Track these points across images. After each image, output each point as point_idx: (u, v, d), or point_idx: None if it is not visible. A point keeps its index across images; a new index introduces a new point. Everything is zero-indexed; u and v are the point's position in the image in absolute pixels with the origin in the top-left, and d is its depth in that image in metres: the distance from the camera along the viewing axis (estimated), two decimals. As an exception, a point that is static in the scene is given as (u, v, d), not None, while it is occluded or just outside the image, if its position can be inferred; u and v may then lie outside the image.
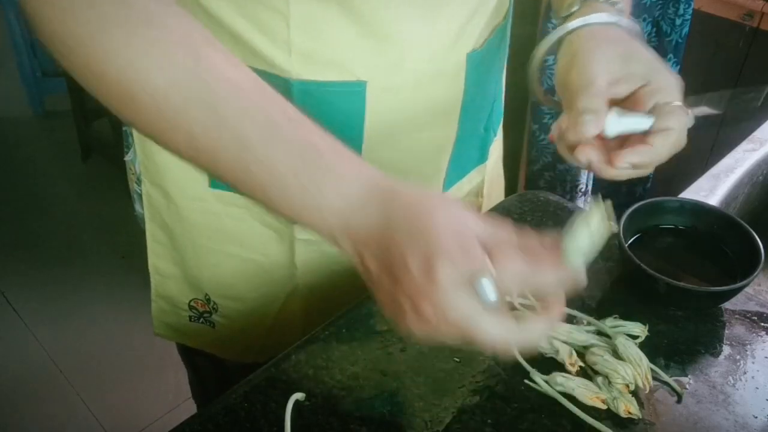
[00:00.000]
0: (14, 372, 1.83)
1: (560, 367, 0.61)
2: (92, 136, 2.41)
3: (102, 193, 2.35)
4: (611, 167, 0.56)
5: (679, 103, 0.56)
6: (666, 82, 0.57)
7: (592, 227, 0.49)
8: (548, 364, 0.62)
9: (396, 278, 0.45)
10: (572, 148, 0.58)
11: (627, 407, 0.57)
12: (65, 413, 1.74)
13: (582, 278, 0.48)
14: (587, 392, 0.59)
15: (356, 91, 0.63)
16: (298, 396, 0.59)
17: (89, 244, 2.21)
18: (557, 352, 0.62)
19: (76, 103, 2.32)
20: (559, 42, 0.62)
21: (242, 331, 0.82)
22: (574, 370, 0.61)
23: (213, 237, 0.76)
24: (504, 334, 0.45)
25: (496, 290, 0.44)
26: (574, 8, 0.62)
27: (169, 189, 0.74)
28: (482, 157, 0.83)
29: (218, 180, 0.52)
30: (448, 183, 0.78)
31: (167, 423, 1.67)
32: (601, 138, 0.57)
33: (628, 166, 0.55)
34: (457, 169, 0.78)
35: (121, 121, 0.52)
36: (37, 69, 2.60)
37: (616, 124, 0.55)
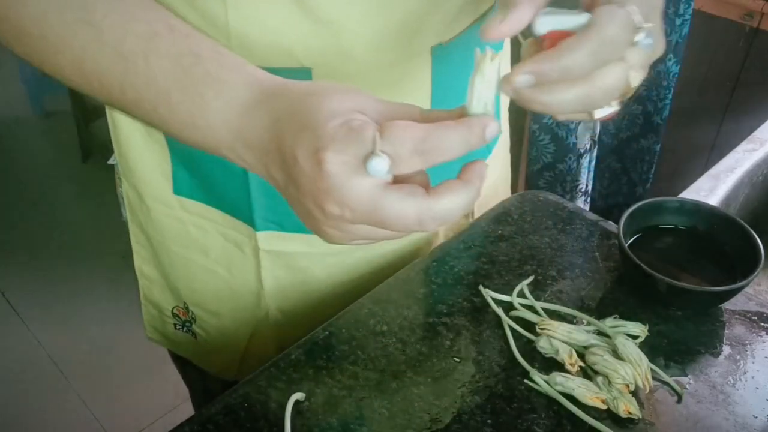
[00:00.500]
0: (14, 372, 1.83)
1: (560, 367, 0.61)
2: (92, 136, 2.42)
3: (102, 193, 2.35)
4: (509, 86, 0.43)
5: (631, 7, 0.42)
6: None
7: (486, 75, 0.43)
8: (548, 364, 0.62)
9: (295, 182, 0.42)
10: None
11: (627, 407, 0.57)
12: (65, 413, 1.74)
13: (493, 125, 0.41)
14: (587, 392, 0.59)
15: (300, 78, 0.56)
16: (298, 396, 0.59)
17: (89, 244, 2.21)
18: (557, 351, 0.62)
19: (76, 103, 2.33)
20: None
21: (218, 346, 0.79)
22: (574, 370, 0.61)
23: (182, 244, 0.73)
24: (415, 208, 0.41)
25: (390, 163, 0.39)
26: None
27: (141, 190, 0.72)
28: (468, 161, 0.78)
29: (118, 109, 0.49)
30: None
31: (167, 423, 1.67)
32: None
33: (527, 81, 0.42)
34: (437, 179, 0.73)
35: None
36: (37, 69, 2.60)
37: (545, 23, 0.44)
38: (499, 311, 0.67)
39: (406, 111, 0.43)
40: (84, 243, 2.22)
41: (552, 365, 0.62)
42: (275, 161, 0.43)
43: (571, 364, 0.61)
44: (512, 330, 0.65)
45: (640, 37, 0.43)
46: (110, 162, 0.80)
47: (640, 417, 0.58)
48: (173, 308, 0.80)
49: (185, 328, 0.81)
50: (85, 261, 2.14)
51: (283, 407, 0.58)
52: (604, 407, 0.58)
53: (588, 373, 0.61)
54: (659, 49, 0.48)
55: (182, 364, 0.88)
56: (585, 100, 0.43)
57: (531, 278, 0.70)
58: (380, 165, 0.39)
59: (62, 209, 2.35)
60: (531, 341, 0.64)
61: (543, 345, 0.63)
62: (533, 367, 0.62)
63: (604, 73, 0.42)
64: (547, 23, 0.44)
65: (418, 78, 0.63)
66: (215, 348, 0.80)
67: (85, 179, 2.48)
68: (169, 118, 0.46)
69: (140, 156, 0.70)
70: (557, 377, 0.60)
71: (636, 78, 0.44)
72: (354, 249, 0.71)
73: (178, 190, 0.70)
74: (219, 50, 0.47)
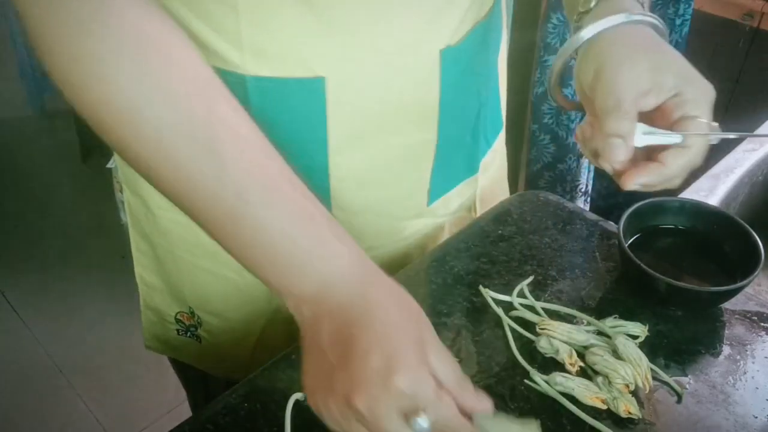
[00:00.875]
0: (14, 372, 1.83)
1: (560, 367, 0.61)
2: (92, 136, 2.38)
3: (102, 193, 2.34)
4: (623, 186, 0.55)
5: (703, 119, 0.53)
6: (695, 93, 0.54)
7: None
8: (548, 364, 0.62)
9: (346, 360, 0.46)
10: (596, 154, 0.56)
11: (627, 407, 0.57)
12: (65, 413, 1.74)
13: None
14: (587, 392, 0.59)
15: (315, 87, 0.59)
16: (298, 396, 0.58)
17: (89, 244, 2.21)
18: (557, 351, 0.62)
19: (76, 103, 2.32)
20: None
21: (227, 349, 0.79)
22: (574, 370, 0.61)
23: (190, 250, 0.73)
24: None
25: (428, 429, 0.45)
26: (592, 3, 0.59)
27: (147, 198, 0.72)
28: (471, 169, 0.78)
29: (199, 224, 0.52)
30: (433, 195, 0.73)
31: (167, 423, 1.67)
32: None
33: (638, 186, 0.54)
34: (443, 180, 0.73)
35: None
36: (37, 69, 2.60)
37: (641, 140, 0.54)
38: (499, 311, 0.67)
39: (452, 379, 0.48)
40: (84, 243, 2.22)
41: (552, 365, 0.62)
42: (336, 329, 0.48)
43: (571, 364, 0.61)
44: (512, 330, 0.65)
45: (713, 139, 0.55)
46: (109, 165, 0.80)
47: (640, 417, 0.58)
48: (177, 314, 0.79)
49: (189, 333, 0.80)
50: (85, 261, 2.14)
51: (283, 407, 0.58)
52: (604, 407, 0.58)
53: (588, 373, 0.61)
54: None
55: (183, 368, 0.88)
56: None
57: (531, 278, 0.70)
58: (423, 428, 0.45)
59: (62, 209, 2.35)
60: (531, 341, 0.64)
61: (543, 345, 0.63)
62: (533, 367, 0.62)
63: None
64: (646, 140, 0.54)
65: (428, 80, 0.64)
66: (222, 350, 0.80)
67: (85, 179, 2.48)
68: (263, 258, 0.50)
69: None
70: (557, 377, 0.60)
71: None
72: (367, 247, 0.72)
73: None
74: (328, 215, 0.51)
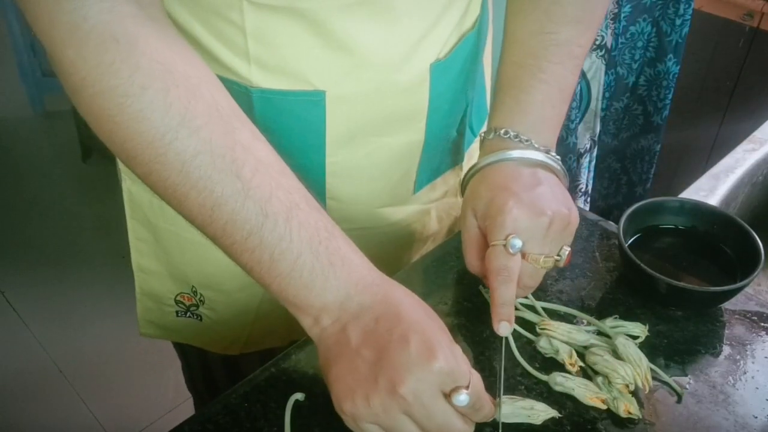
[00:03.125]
0: (14, 372, 1.83)
1: (560, 367, 0.61)
2: (92, 136, 2.38)
3: (102, 193, 2.35)
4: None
5: (494, 243, 0.60)
6: (492, 224, 0.61)
7: None
8: (548, 364, 0.62)
9: (385, 352, 0.49)
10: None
11: (627, 407, 0.57)
12: (65, 413, 1.74)
13: None
14: (587, 392, 0.59)
15: (315, 100, 0.63)
16: (298, 396, 0.59)
17: (89, 244, 2.21)
18: (557, 351, 0.62)
19: (76, 103, 2.32)
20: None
21: (228, 323, 0.82)
22: (574, 369, 0.61)
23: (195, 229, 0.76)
24: (459, 428, 0.51)
25: (468, 402, 0.49)
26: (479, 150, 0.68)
27: None
28: (457, 159, 0.82)
29: (222, 247, 0.55)
30: (419, 184, 0.78)
31: (167, 423, 1.67)
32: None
33: (501, 319, 0.59)
34: (429, 172, 0.78)
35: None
36: (37, 69, 2.60)
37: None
38: None
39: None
40: (84, 243, 2.22)
41: (552, 365, 0.62)
42: (363, 327, 0.51)
43: (571, 364, 0.61)
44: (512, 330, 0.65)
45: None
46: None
47: (640, 417, 0.58)
48: (176, 296, 0.82)
49: (189, 314, 0.83)
50: (85, 261, 2.14)
51: (283, 407, 0.58)
52: (604, 407, 0.58)
53: (588, 373, 0.61)
54: (561, 173, 0.66)
55: (181, 346, 0.92)
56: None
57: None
58: (464, 399, 0.49)
59: (62, 209, 2.35)
60: (531, 341, 0.64)
61: (543, 345, 0.63)
62: (534, 367, 0.62)
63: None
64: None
65: (418, 92, 0.68)
66: (222, 326, 0.83)
67: (85, 179, 2.48)
68: (284, 271, 0.53)
69: None
70: (557, 377, 0.60)
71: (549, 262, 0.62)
72: (358, 228, 0.76)
73: None
74: (344, 234, 0.55)
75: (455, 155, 0.82)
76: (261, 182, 0.52)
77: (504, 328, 0.58)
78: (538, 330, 0.64)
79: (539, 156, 0.64)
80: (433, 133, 0.72)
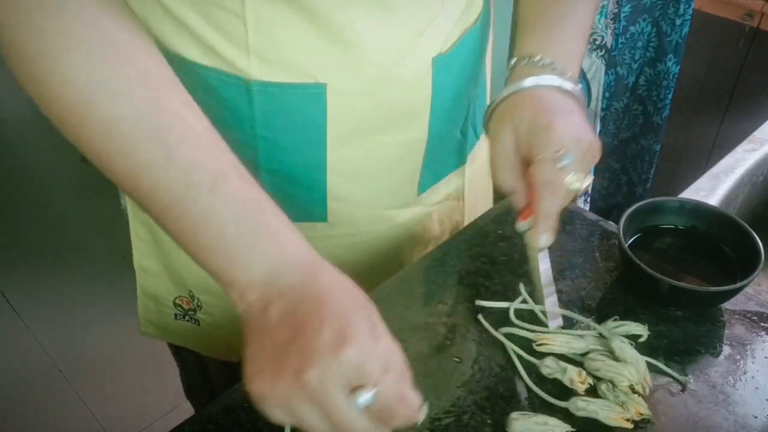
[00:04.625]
0: (14, 372, 1.83)
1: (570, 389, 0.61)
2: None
3: (101, 194, 2.34)
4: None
5: (542, 156, 0.60)
6: (538, 139, 0.61)
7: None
8: (559, 386, 0.62)
9: (298, 336, 0.46)
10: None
11: (637, 409, 0.57)
12: (65, 413, 1.74)
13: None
14: (611, 413, 0.58)
15: (316, 93, 0.63)
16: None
17: (89, 244, 2.21)
18: (565, 371, 0.61)
19: (76, 103, 2.32)
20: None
21: (225, 329, 0.81)
22: (583, 388, 0.60)
23: None
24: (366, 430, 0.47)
25: (372, 403, 0.46)
26: (506, 75, 0.68)
27: None
28: (460, 161, 0.82)
29: (150, 214, 0.53)
30: (423, 186, 0.77)
31: (167, 423, 1.67)
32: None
33: (545, 230, 0.60)
34: (432, 173, 0.78)
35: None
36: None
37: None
38: (500, 337, 0.65)
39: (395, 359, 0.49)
40: (83, 243, 2.22)
41: (562, 387, 0.61)
42: (285, 308, 0.48)
43: (580, 383, 0.60)
44: (512, 339, 0.65)
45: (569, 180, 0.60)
46: None
47: (650, 416, 0.58)
48: (175, 298, 0.81)
49: (187, 317, 0.82)
50: (84, 261, 2.14)
51: (283, 407, 0.58)
52: (631, 426, 0.57)
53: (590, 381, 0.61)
54: (579, 99, 0.66)
55: (178, 350, 0.91)
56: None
57: (520, 298, 0.69)
58: (366, 400, 0.46)
59: (62, 209, 2.35)
60: (533, 364, 0.64)
61: (549, 365, 0.62)
62: (545, 389, 0.62)
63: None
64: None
65: (420, 87, 0.67)
66: (220, 332, 0.82)
67: (85, 179, 2.48)
68: (209, 245, 0.51)
69: None
70: (578, 402, 0.58)
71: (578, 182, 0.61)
72: (361, 232, 0.76)
73: None
74: (281, 211, 0.53)
75: (458, 157, 0.81)
76: (187, 151, 0.51)
77: (546, 239, 0.60)
78: (535, 347, 0.63)
79: (571, 87, 0.66)
80: (436, 131, 0.72)
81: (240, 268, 0.51)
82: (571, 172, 0.60)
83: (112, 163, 0.52)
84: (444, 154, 0.78)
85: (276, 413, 0.47)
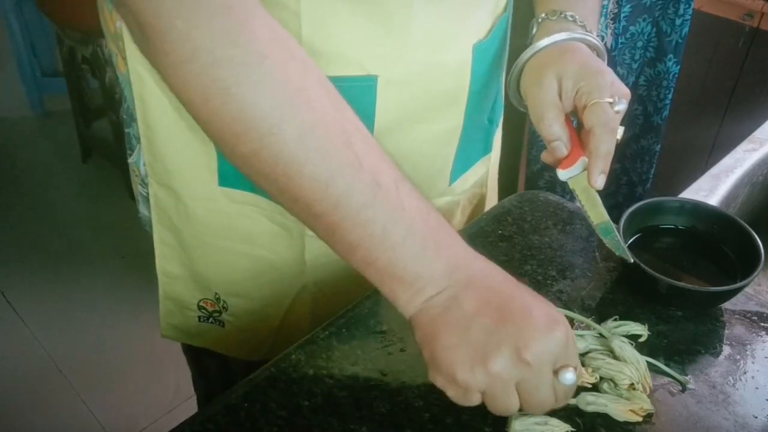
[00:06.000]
0: (14, 372, 1.83)
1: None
2: (92, 136, 2.41)
3: (102, 194, 2.35)
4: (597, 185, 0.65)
5: (603, 100, 0.63)
6: (590, 83, 0.64)
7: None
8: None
9: (509, 316, 0.48)
10: (557, 161, 0.67)
11: (640, 405, 0.57)
12: (65, 413, 1.74)
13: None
14: (620, 406, 0.58)
15: (368, 85, 0.64)
16: None
17: (89, 244, 2.21)
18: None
19: (76, 103, 2.32)
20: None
21: (251, 330, 0.82)
22: (591, 380, 0.60)
23: (222, 235, 0.76)
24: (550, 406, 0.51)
25: (574, 382, 0.50)
26: (534, 30, 0.71)
27: (178, 189, 0.74)
28: (487, 148, 0.84)
29: (324, 221, 0.52)
30: (455, 175, 0.79)
31: (167, 423, 1.67)
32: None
33: (602, 171, 0.64)
34: (463, 161, 0.79)
35: (126, 125, 0.52)
36: (37, 69, 2.60)
37: (563, 175, 0.68)
38: None
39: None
40: (84, 243, 2.21)
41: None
42: (480, 294, 0.50)
43: (587, 377, 0.60)
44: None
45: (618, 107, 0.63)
46: (130, 160, 0.81)
47: (653, 411, 0.57)
48: (199, 301, 0.82)
49: (211, 319, 0.83)
50: (85, 261, 2.14)
51: (283, 407, 0.58)
52: (639, 418, 0.57)
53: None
54: (603, 54, 0.70)
55: (197, 354, 0.91)
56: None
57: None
58: (571, 378, 0.50)
59: (62, 209, 2.35)
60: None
61: None
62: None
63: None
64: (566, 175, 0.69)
65: (461, 74, 0.70)
66: (245, 333, 0.82)
67: (85, 179, 2.48)
68: (397, 242, 0.51)
69: (180, 155, 0.73)
70: (587, 397, 0.58)
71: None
72: None
73: (224, 182, 0.72)
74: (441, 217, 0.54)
75: (485, 144, 0.84)
76: (369, 154, 0.51)
77: (602, 179, 0.63)
78: None
79: (599, 43, 0.69)
80: (470, 118, 0.74)
81: (425, 263, 0.51)
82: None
83: (301, 173, 0.50)
84: (474, 141, 0.80)
85: (475, 399, 0.49)
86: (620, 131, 0.65)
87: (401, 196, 0.51)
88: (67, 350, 1.88)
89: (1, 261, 2.13)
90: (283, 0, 0.58)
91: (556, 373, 0.49)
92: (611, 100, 0.62)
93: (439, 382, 0.50)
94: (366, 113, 0.65)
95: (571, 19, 0.69)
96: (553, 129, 0.65)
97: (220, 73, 0.47)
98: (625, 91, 0.64)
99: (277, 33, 0.49)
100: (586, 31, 0.68)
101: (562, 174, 0.64)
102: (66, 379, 1.82)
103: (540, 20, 0.70)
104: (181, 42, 0.47)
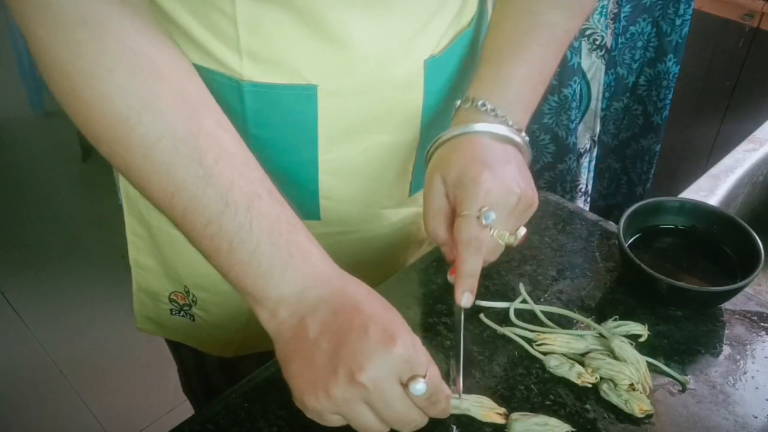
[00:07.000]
0: (14, 372, 1.83)
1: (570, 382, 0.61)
2: (92, 136, 2.41)
3: (102, 193, 2.35)
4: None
5: (466, 213, 0.59)
6: (462, 194, 0.60)
7: None
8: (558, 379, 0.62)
9: (345, 340, 0.49)
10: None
11: (641, 406, 0.57)
12: (65, 413, 1.75)
13: None
14: (482, 410, 0.58)
15: (307, 94, 0.63)
16: None
17: (89, 244, 2.21)
18: (572, 366, 0.61)
19: (76, 103, 2.32)
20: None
21: (220, 325, 0.81)
22: (592, 379, 0.60)
23: None
24: (416, 419, 0.51)
25: (425, 391, 0.49)
26: (467, 105, 0.65)
27: None
28: None
29: (184, 232, 0.55)
30: (415, 187, 0.77)
31: (167, 423, 1.67)
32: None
33: (466, 289, 0.59)
34: (425, 173, 0.77)
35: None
36: (37, 69, 2.60)
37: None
38: (507, 331, 0.66)
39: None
40: (84, 243, 2.22)
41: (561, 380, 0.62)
42: (322, 319, 0.51)
43: (587, 377, 0.60)
44: (512, 340, 0.65)
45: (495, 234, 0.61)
46: None
47: (653, 412, 0.58)
48: (170, 294, 0.82)
49: (182, 313, 0.83)
50: (84, 261, 2.14)
51: (283, 407, 0.58)
52: (501, 420, 0.57)
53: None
54: (528, 155, 0.67)
55: (176, 347, 0.92)
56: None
57: (520, 298, 0.68)
58: (421, 388, 0.49)
59: (62, 209, 2.35)
60: (538, 359, 0.64)
61: (553, 365, 0.62)
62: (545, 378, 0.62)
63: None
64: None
65: (412, 89, 0.68)
66: (215, 328, 0.82)
67: (85, 179, 2.48)
68: (243, 260, 0.52)
69: None
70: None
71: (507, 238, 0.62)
72: (354, 230, 0.76)
73: None
74: (308, 231, 0.55)
75: None
76: (223, 170, 0.52)
77: (467, 299, 0.59)
78: (536, 347, 0.63)
79: (512, 134, 0.64)
80: (428, 132, 0.72)
81: (272, 284, 0.52)
82: (497, 229, 0.60)
83: (149, 181, 0.52)
84: None
85: (334, 420, 0.49)
86: (521, 232, 0.62)
87: (252, 217, 0.52)
88: (67, 350, 1.88)
89: (1, 261, 2.13)
90: (219, 5, 0.57)
91: (406, 385, 0.49)
92: (479, 213, 0.58)
93: (298, 405, 0.51)
94: (308, 121, 0.64)
95: (482, 108, 0.64)
96: (437, 234, 0.63)
97: (72, 84, 0.51)
98: (515, 193, 0.59)
99: (133, 46, 0.51)
100: (502, 122, 0.63)
101: (450, 278, 0.62)
102: (66, 379, 1.82)
103: (456, 108, 0.67)
104: (44, 50, 0.51)
